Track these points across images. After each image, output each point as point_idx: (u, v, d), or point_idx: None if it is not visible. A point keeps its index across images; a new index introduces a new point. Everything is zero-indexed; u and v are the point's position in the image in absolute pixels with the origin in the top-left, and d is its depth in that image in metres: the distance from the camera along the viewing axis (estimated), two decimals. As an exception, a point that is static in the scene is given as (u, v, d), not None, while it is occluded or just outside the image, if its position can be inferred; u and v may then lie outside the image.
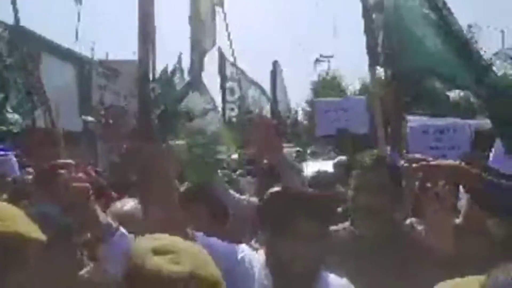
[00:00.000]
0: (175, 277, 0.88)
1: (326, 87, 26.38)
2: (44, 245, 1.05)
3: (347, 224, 1.90)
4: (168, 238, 1.00)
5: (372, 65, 3.04)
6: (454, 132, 3.88)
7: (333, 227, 1.85)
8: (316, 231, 1.44)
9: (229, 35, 5.55)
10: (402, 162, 1.97)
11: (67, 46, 13.21)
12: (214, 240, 1.49)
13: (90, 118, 12.11)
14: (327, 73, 29.32)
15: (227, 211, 2.20)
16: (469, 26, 22.66)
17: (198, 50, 4.07)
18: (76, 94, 12.18)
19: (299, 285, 1.44)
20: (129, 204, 1.90)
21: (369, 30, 3.13)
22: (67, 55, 13.03)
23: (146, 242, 0.97)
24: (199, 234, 1.47)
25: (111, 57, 20.20)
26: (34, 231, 1.04)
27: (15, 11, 4.29)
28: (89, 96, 15.16)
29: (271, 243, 1.49)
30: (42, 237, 1.04)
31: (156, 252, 0.93)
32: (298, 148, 14.20)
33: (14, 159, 4.62)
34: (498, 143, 2.31)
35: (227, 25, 5.47)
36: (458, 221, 1.90)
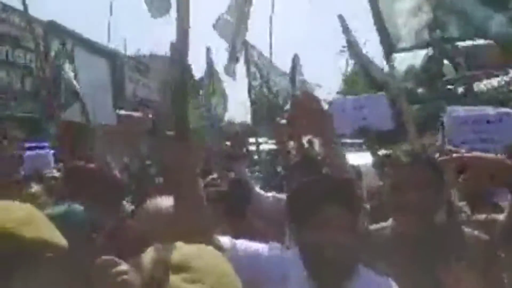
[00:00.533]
0: None
1: (356, 78, 25.73)
2: (66, 249, 1.04)
3: (389, 222, 1.83)
4: (189, 250, 0.95)
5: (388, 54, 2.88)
6: (500, 122, 3.64)
7: (375, 226, 1.87)
8: (346, 219, 1.44)
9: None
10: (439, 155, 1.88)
11: (100, 41, 13.50)
12: (241, 243, 1.46)
13: (124, 112, 12.30)
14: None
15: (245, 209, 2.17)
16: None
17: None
18: (110, 88, 12.38)
19: (334, 277, 1.42)
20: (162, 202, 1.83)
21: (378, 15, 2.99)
22: (100, 50, 13.29)
23: (164, 255, 0.92)
24: (225, 239, 1.43)
25: (142, 52, 20.51)
26: (56, 236, 1.04)
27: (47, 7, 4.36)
28: (123, 90, 15.44)
29: (302, 234, 1.47)
30: (64, 242, 1.05)
31: (174, 269, 0.88)
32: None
33: (51, 155, 4.72)
34: None
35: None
36: (502, 218, 1.83)
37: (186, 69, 1.50)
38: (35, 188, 3.03)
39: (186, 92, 1.45)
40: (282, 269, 1.46)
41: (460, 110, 4.21)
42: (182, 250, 0.94)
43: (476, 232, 1.79)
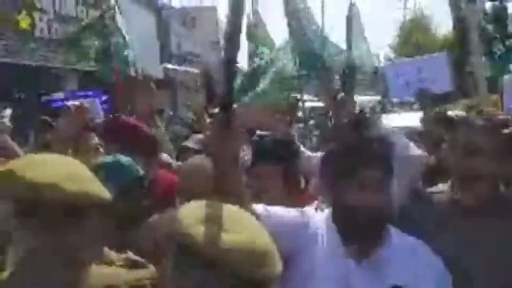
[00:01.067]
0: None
1: (414, 29, 24.25)
2: (108, 202, 1.11)
3: (446, 187, 1.73)
4: (225, 207, 0.96)
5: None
6: None
7: (429, 189, 1.81)
8: (379, 179, 1.41)
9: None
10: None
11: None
12: (275, 210, 1.47)
13: (170, 66, 12.35)
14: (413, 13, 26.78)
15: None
16: None
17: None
18: (156, 41, 12.39)
19: (367, 237, 1.41)
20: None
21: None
22: (146, 1, 13.21)
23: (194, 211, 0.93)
24: (259, 206, 1.42)
25: (188, 4, 20.25)
26: (99, 190, 1.11)
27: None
28: (168, 44, 15.43)
29: (337, 195, 1.46)
30: (107, 195, 1.12)
31: (208, 221, 0.89)
32: (378, 98, 13.43)
33: (99, 104, 4.74)
34: None
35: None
36: None
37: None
38: (95, 140, 3.03)
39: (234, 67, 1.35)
40: (315, 235, 1.46)
41: None
42: (218, 207, 0.95)
43: None
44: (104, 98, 4.89)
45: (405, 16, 26.93)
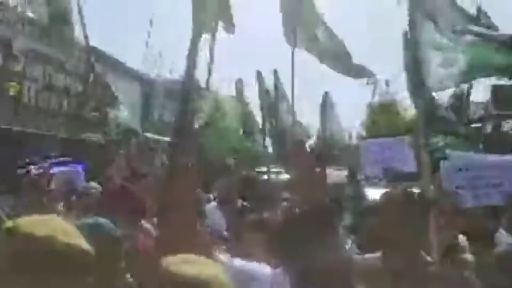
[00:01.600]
0: None
1: (382, 111, 25.63)
2: (92, 255, 1.21)
3: (377, 255, 1.96)
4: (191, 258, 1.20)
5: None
6: (498, 169, 3.54)
7: (364, 256, 2.02)
8: (333, 247, 1.52)
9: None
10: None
11: (134, 66, 14.14)
12: (237, 260, 1.66)
13: (149, 135, 12.77)
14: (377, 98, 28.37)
15: None
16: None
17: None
18: (138, 111, 12.91)
19: None
20: None
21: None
22: (133, 74, 13.90)
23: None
24: (223, 256, 1.62)
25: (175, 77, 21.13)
26: (84, 243, 1.21)
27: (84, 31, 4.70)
28: (151, 114, 15.96)
29: (289, 260, 1.56)
30: (90, 249, 1.21)
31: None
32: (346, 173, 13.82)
33: (82, 171, 4.97)
34: None
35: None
36: None
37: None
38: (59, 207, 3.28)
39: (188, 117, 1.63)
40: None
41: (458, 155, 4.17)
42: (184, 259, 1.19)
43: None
44: (83, 165, 5.16)
45: (373, 99, 28.47)
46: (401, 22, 3.40)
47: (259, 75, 7.12)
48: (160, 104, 17.05)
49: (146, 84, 15.37)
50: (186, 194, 1.49)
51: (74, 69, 10.37)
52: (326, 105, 8.50)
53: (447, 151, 4.60)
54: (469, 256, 2.38)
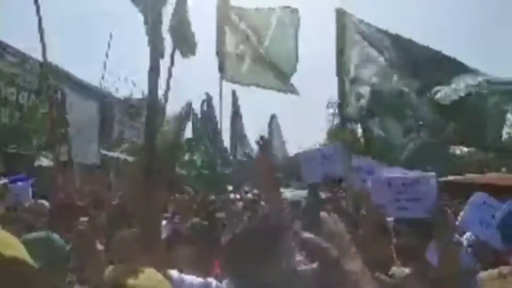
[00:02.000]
0: None
1: (340, 132, 26.43)
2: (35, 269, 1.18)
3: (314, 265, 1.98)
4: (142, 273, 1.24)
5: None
6: (418, 184, 3.71)
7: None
8: (283, 260, 1.64)
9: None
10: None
11: (91, 83, 13.89)
12: (187, 277, 1.69)
13: (108, 153, 12.54)
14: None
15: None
16: None
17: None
18: (96, 130, 12.66)
19: None
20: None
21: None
22: (91, 92, 13.66)
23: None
24: (174, 272, 1.66)
25: (135, 95, 20.99)
26: (27, 257, 1.18)
27: (43, 46, 4.67)
28: (110, 131, 15.69)
29: (243, 274, 1.63)
30: (34, 264, 1.19)
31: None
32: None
33: (30, 187, 4.86)
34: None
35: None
36: None
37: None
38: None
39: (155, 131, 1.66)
40: None
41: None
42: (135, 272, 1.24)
43: None
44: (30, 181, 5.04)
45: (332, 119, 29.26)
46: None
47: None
48: (120, 121, 16.83)
49: (105, 102, 15.16)
50: (152, 209, 1.55)
51: (27, 84, 10.13)
52: (271, 126, 8.95)
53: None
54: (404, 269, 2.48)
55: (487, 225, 3.48)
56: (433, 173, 3.33)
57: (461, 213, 3.42)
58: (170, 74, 2.86)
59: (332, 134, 25.63)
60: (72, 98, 10.80)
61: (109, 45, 14.13)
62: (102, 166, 11.85)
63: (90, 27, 45.44)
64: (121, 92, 18.83)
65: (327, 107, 29.34)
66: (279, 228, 1.87)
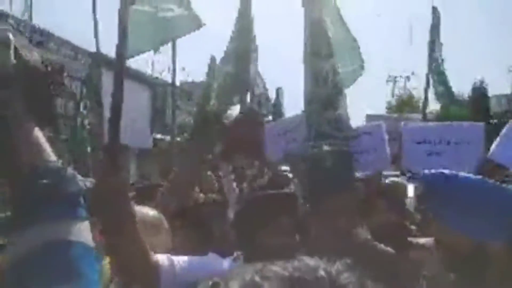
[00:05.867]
0: None
1: (403, 107, 25.46)
2: None
3: None
4: None
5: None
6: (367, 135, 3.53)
7: None
8: (293, 227, 1.65)
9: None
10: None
11: (143, 70, 14.34)
12: (178, 259, 1.58)
13: (160, 136, 12.95)
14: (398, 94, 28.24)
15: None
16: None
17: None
18: (148, 114, 13.12)
19: None
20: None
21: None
22: (142, 78, 14.10)
23: None
24: (163, 256, 1.54)
25: (186, 78, 21.40)
26: None
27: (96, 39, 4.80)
28: (163, 116, 16.17)
29: (253, 242, 1.64)
30: None
31: None
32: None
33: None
34: None
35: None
36: None
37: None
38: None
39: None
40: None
41: None
42: None
43: None
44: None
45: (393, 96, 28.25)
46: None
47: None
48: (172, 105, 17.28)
49: (156, 88, 15.59)
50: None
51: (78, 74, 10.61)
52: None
53: None
54: None
55: None
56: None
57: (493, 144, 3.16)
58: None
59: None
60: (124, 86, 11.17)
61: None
62: (156, 150, 12.28)
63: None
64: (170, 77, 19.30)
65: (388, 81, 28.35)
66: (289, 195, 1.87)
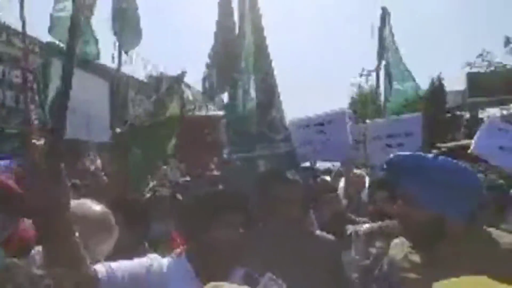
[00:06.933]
0: None
1: (364, 101, 26.09)
2: None
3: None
4: None
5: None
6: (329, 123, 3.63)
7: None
8: (241, 222, 1.71)
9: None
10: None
11: (102, 62, 13.84)
12: (118, 265, 1.57)
13: (118, 130, 12.60)
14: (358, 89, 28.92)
15: None
16: (507, 38, 22.05)
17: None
18: (107, 108, 12.74)
19: (224, 271, 1.66)
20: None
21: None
22: (100, 70, 13.68)
23: None
24: (100, 266, 1.52)
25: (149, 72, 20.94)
26: None
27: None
28: (124, 109, 15.78)
29: (200, 236, 1.71)
30: None
31: None
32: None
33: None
34: None
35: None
36: None
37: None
38: None
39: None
40: (165, 277, 1.63)
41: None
42: None
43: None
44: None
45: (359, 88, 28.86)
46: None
47: None
48: (133, 99, 16.91)
49: (117, 80, 15.16)
50: None
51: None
52: None
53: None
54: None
55: (510, 151, 3.30)
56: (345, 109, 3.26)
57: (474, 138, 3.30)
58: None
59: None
60: (79, 77, 10.79)
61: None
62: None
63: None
64: (132, 69, 18.84)
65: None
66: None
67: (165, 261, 1.73)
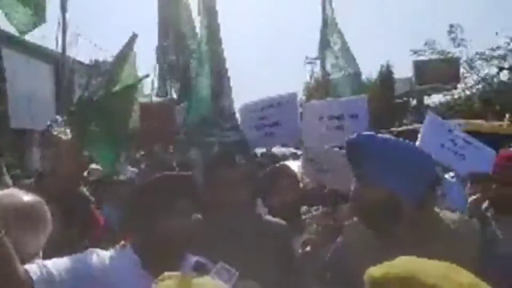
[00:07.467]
0: None
1: (320, 89, 26.52)
2: None
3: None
4: None
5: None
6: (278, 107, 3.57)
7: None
8: (191, 209, 1.63)
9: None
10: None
11: (45, 45, 13.12)
12: (53, 263, 1.47)
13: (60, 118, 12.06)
14: (311, 76, 29.23)
15: None
16: (451, 26, 23.14)
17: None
18: (52, 93, 12.13)
19: (173, 261, 1.57)
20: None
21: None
22: (43, 54, 12.97)
23: None
24: (34, 266, 1.40)
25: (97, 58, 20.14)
26: None
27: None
28: (70, 95, 15.11)
29: (148, 224, 1.61)
30: None
31: None
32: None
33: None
34: None
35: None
36: None
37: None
38: None
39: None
40: (109, 269, 1.55)
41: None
42: None
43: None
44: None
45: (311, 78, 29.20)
46: None
47: None
48: (81, 84, 16.19)
49: (62, 65, 14.46)
50: None
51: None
52: None
53: None
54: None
55: (448, 150, 3.39)
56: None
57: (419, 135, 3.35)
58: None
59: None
60: (19, 62, 10.20)
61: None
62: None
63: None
64: (80, 53, 18.05)
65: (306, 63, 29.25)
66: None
67: (108, 254, 1.63)
